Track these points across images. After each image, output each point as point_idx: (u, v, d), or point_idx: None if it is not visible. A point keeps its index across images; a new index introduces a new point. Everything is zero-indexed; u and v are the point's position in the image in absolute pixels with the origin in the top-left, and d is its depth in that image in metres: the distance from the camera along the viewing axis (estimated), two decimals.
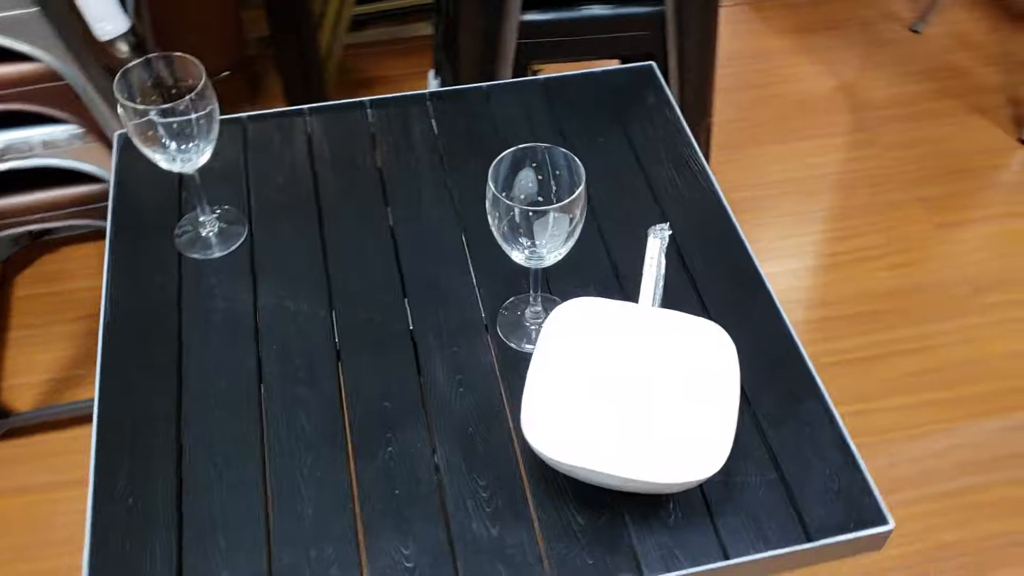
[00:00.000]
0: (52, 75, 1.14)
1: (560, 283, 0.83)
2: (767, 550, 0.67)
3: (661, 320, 0.72)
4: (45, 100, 1.16)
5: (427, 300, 0.83)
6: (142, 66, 0.77)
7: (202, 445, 0.73)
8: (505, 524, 0.69)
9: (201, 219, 0.87)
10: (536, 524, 0.69)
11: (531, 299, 0.79)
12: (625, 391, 0.71)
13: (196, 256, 0.86)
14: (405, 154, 0.96)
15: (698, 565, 0.66)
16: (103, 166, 1.25)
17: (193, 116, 0.76)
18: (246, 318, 0.82)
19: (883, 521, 0.68)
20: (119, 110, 0.76)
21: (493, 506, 0.70)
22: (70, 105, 1.18)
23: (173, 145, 0.78)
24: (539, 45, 1.17)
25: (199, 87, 0.75)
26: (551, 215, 0.68)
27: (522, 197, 0.72)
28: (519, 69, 1.18)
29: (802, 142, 2.11)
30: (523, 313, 0.81)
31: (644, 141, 0.97)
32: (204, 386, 0.77)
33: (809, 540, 0.68)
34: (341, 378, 0.77)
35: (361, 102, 1.01)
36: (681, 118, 0.99)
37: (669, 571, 0.66)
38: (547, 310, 0.80)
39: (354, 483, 0.71)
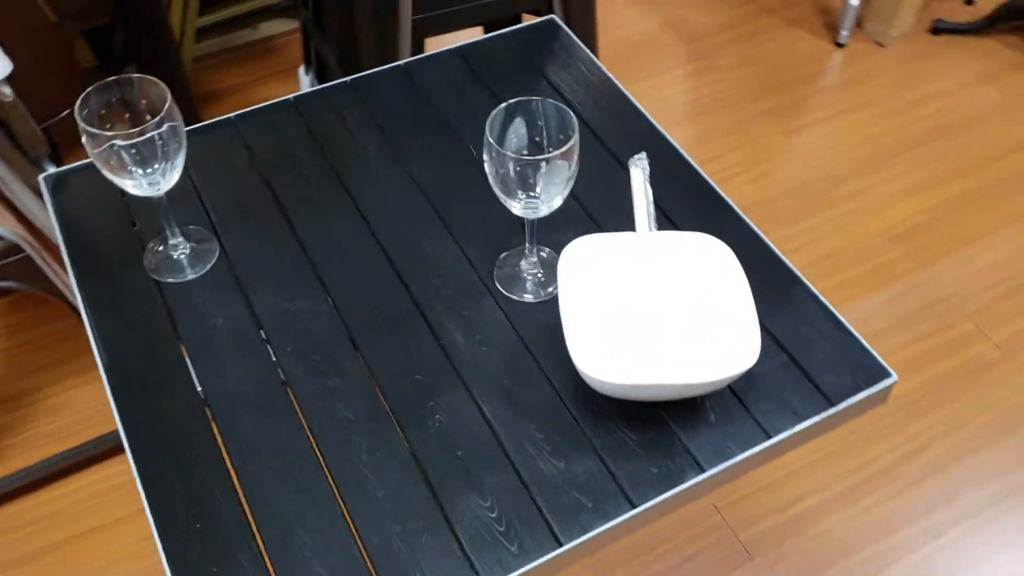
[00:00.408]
0: None
1: (541, 232, 0.87)
2: (800, 422, 0.75)
3: (663, 241, 0.77)
4: None
5: (421, 273, 0.85)
6: (100, 91, 0.75)
7: (251, 456, 0.73)
8: (568, 457, 0.73)
9: (172, 242, 0.85)
10: (596, 450, 0.73)
11: (527, 251, 0.83)
12: (653, 308, 0.77)
13: (174, 280, 0.84)
14: (349, 144, 0.97)
15: (748, 449, 0.73)
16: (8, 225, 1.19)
17: (159, 138, 0.74)
18: (249, 329, 0.81)
19: (887, 375, 0.78)
20: (83, 139, 0.73)
21: (552, 444, 0.74)
22: None
23: (139, 170, 0.76)
24: (434, 18, 1.19)
25: (164, 108, 0.74)
26: (552, 164, 0.72)
27: (514, 149, 0.75)
28: (416, 46, 1.20)
29: (649, 80, 2.23)
30: (518, 266, 0.84)
31: (572, 87, 1.02)
32: (231, 402, 0.76)
33: (832, 405, 0.76)
34: (365, 363, 0.79)
35: (285, 100, 1.01)
36: (596, 59, 1.04)
37: (725, 460, 0.72)
38: (540, 260, 0.85)
39: (415, 455, 0.73)
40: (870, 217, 1.94)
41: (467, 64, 1.04)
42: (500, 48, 1.07)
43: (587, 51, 1.05)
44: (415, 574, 0.67)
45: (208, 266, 0.85)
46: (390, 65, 1.04)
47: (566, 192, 0.75)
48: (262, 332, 0.81)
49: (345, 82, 1.03)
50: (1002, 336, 1.74)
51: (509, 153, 0.71)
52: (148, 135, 0.74)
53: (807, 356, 0.79)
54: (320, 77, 1.55)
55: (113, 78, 0.75)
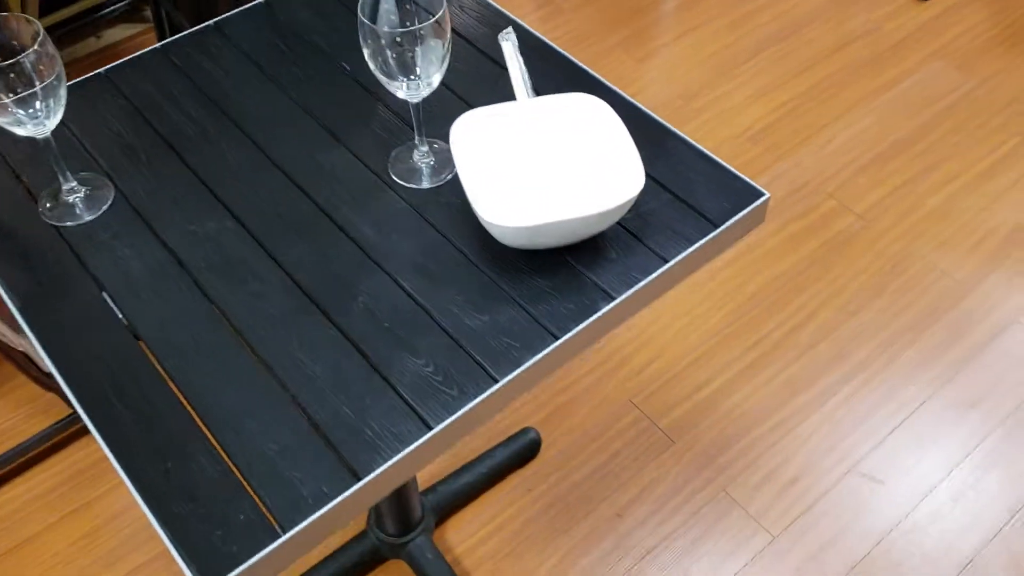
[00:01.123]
0: None
1: (427, 127, 0.92)
2: (691, 245, 0.82)
3: (543, 103, 0.83)
4: None
5: (320, 182, 0.88)
6: None
7: (189, 369, 0.75)
8: (491, 310, 0.78)
9: (66, 187, 0.85)
10: (515, 299, 0.78)
11: (418, 141, 0.88)
12: (544, 160, 0.82)
13: (74, 224, 0.85)
14: (225, 79, 0.98)
15: (650, 273, 0.80)
16: None
17: (34, 68, 0.75)
18: (160, 256, 0.83)
19: (760, 194, 0.86)
20: None
21: (473, 302, 0.78)
22: None
23: (21, 111, 0.77)
24: None
25: (39, 41, 0.75)
26: (427, 41, 0.76)
27: (388, 30, 0.79)
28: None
29: None
30: (412, 158, 0.89)
31: None
32: (159, 326, 0.78)
33: (716, 227, 0.83)
34: (281, 267, 0.82)
35: (153, 49, 1.02)
36: None
37: (631, 287, 0.79)
38: (431, 150, 0.89)
39: (346, 334, 0.77)
40: (727, 124, 2.06)
41: None
42: None
43: None
44: (366, 432, 0.71)
45: (106, 205, 0.86)
46: (251, 4, 1.07)
47: (443, 69, 0.80)
48: (174, 255, 0.83)
49: (210, 26, 1.05)
50: (862, 207, 1.89)
51: (384, 29, 0.75)
52: (24, 64, 0.74)
53: (688, 191, 0.86)
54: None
55: None
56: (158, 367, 0.75)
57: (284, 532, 0.66)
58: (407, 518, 1.34)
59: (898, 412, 1.59)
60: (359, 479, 0.68)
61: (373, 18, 0.78)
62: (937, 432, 1.56)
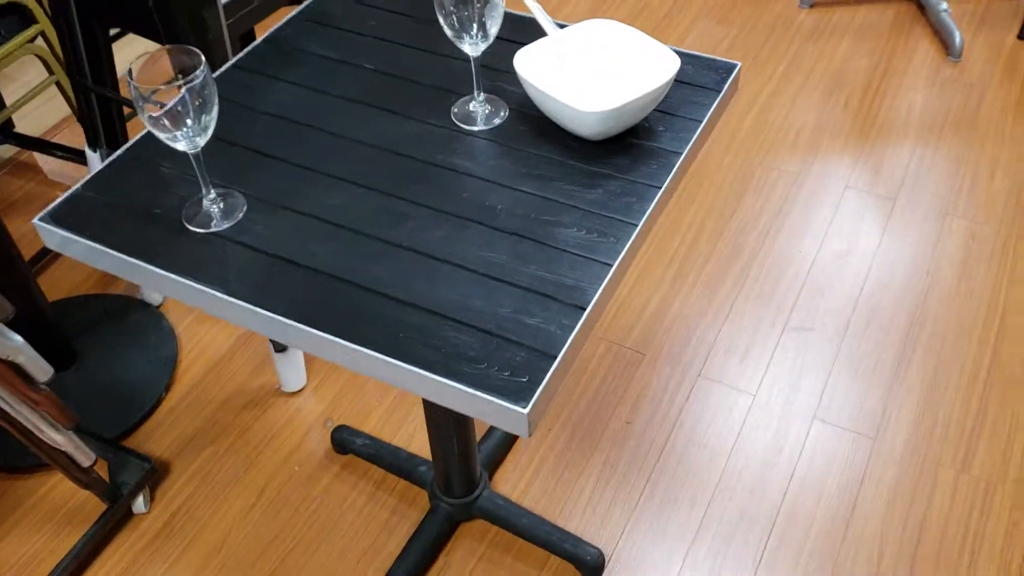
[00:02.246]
0: None
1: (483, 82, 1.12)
2: (709, 108, 1.08)
3: (571, 32, 1.07)
4: None
5: (405, 143, 1.05)
6: (148, 63, 0.87)
7: (407, 288, 0.90)
8: (599, 185, 0.99)
9: (208, 196, 0.97)
10: (613, 174, 1.00)
11: (476, 94, 1.08)
12: (598, 67, 1.06)
13: (218, 229, 0.96)
14: (304, 81, 1.13)
15: (694, 132, 1.04)
16: None
17: (199, 99, 0.88)
18: (319, 225, 0.96)
19: (733, 65, 1.13)
20: (141, 103, 0.85)
21: (582, 184, 0.99)
22: None
23: (190, 121, 0.89)
24: (244, 16, 1.36)
25: (201, 70, 0.87)
26: (489, 2, 0.97)
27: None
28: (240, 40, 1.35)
29: None
30: (470, 108, 1.08)
31: None
32: (358, 268, 0.92)
33: (719, 92, 1.10)
34: (424, 206, 0.98)
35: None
36: None
37: (687, 143, 1.03)
38: (483, 102, 1.09)
39: (505, 230, 0.95)
40: None
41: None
42: None
43: None
44: (566, 281, 0.89)
45: (241, 213, 0.98)
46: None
47: (499, 23, 1.01)
48: (328, 221, 0.97)
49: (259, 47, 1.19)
50: None
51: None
52: (197, 86, 0.87)
53: (686, 75, 1.12)
54: (111, 145, 1.61)
55: (152, 51, 0.87)
56: (377, 293, 0.90)
57: (555, 356, 0.83)
58: (471, 477, 1.49)
59: (798, 272, 1.94)
60: (583, 310, 0.87)
61: None
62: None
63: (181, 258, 0.94)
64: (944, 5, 2.52)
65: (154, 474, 1.60)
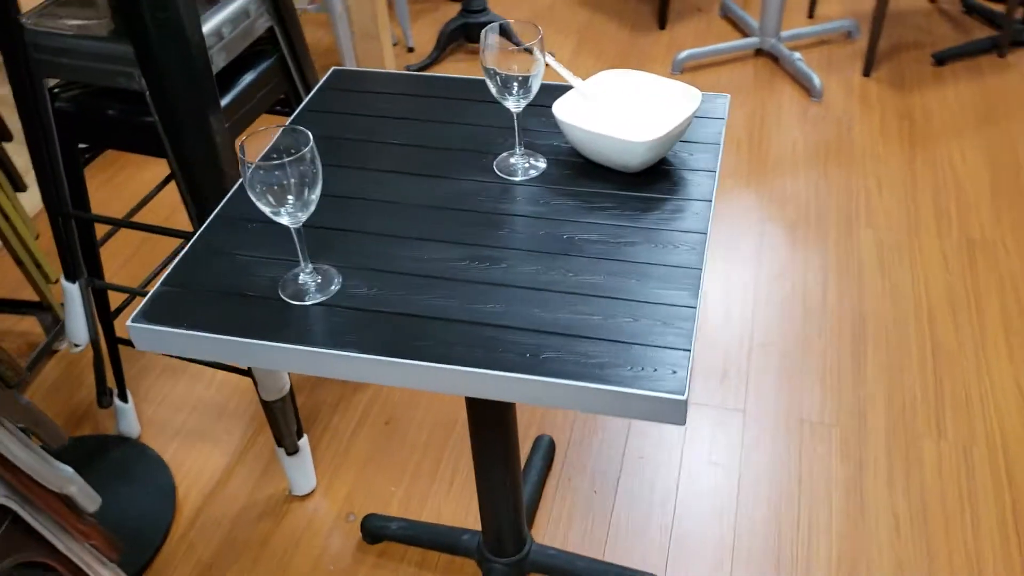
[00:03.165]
0: None
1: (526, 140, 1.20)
2: (720, 124, 1.21)
3: (593, 81, 1.18)
4: None
5: (461, 198, 1.12)
6: (259, 136, 0.90)
7: (525, 316, 0.96)
8: (649, 207, 1.09)
9: (307, 270, 1.00)
10: (657, 195, 1.10)
11: (517, 149, 1.16)
12: (628, 107, 1.17)
13: (312, 303, 0.99)
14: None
15: (716, 154, 1.17)
16: None
17: (306, 177, 0.92)
18: (414, 280, 1.01)
19: (724, 96, 1.28)
20: (252, 177, 0.88)
21: (633, 207, 1.09)
22: None
23: (291, 198, 0.92)
24: (236, 122, 1.39)
25: (310, 149, 0.91)
26: (531, 68, 1.07)
27: (494, 52, 1.08)
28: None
29: None
30: (512, 162, 1.17)
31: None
32: (475, 308, 0.97)
33: (723, 119, 1.23)
34: (505, 247, 1.05)
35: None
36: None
37: (716, 163, 1.15)
38: (523, 155, 1.18)
39: (588, 255, 1.02)
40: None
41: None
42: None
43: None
44: (661, 299, 0.98)
45: (336, 287, 1.01)
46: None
47: (540, 80, 1.11)
48: (421, 275, 1.01)
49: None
50: None
51: (501, 72, 1.05)
52: (297, 166, 0.91)
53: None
54: (93, 272, 1.57)
55: (256, 131, 0.90)
56: (499, 325, 0.95)
57: (688, 349, 0.91)
58: (521, 532, 1.51)
59: (745, 298, 2.10)
60: (693, 308, 0.96)
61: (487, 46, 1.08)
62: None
63: (291, 329, 0.96)
64: (798, 55, 2.84)
65: None
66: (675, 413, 0.88)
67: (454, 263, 1.03)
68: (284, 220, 0.95)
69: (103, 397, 1.80)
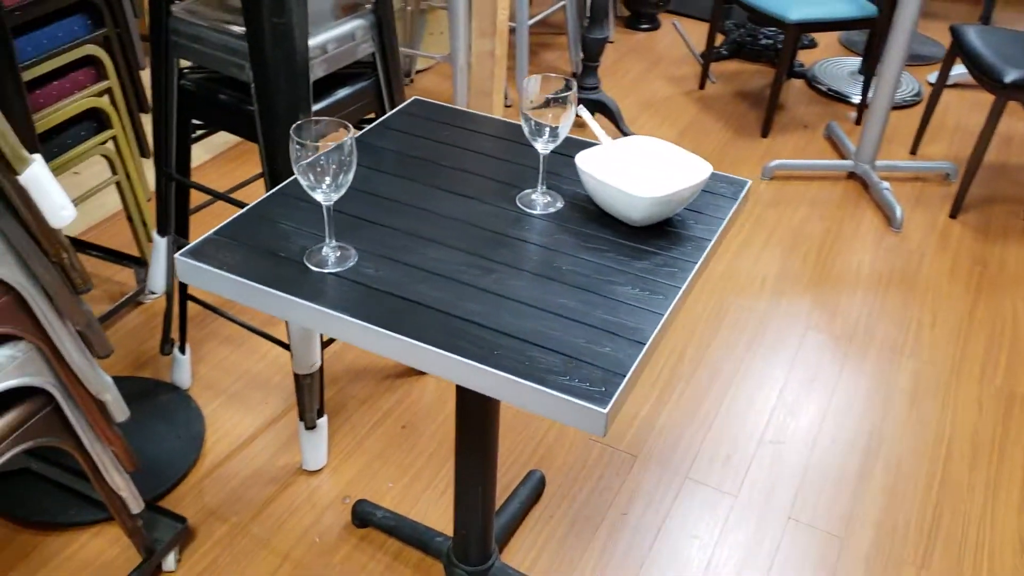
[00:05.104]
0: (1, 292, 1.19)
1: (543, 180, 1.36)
2: (729, 211, 1.33)
3: (620, 141, 1.32)
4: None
5: (479, 220, 1.28)
6: (302, 127, 1.09)
7: (497, 318, 1.10)
8: (644, 258, 1.22)
9: (330, 244, 1.17)
10: (655, 251, 1.23)
11: (539, 187, 1.32)
12: (645, 166, 1.31)
13: (334, 271, 1.16)
14: (398, 164, 1.35)
15: (717, 227, 1.29)
16: (43, 376, 1.28)
17: (347, 153, 1.10)
18: (418, 273, 1.17)
19: (744, 182, 1.40)
20: (294, 151, 1.07)
21: (628, 255, 1.22)
22: (17, 319, 1.22)
23: (328, 179, 1.10)
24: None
25: (349, 134, 1.10)
26: (568, 109, 1.23)
27: (533, 98, 1.24)
28: None
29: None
30: (533, 197, 1.32)
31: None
32: (454, 305, 1.12)
33: (735, 200, 1.36)
34: (504, 264, 1.19)
35: None
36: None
37: (715, 233, 1.27)
38: (544, 193, 1.33)
39: (572, 284, 1.16)
40: None
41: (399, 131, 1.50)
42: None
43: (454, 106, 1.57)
44: (627, 323, 1.10)
45: (352, 262, 1.18)
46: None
47: (568, 128, 1.26)
48: (426, 271, 1.17)
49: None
50: None
51: (535, 119, 1.21)
52: (338, 151, 1.09)
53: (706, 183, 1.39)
54: (180, 231, 1.80)
55: (307, 119, 1.09)
56: (474, 322, 1.09)
57: (624, 374, 1.03)
58: (487, 545, 1.62)
59: (769, 395, 2.16)
60: (643, 344, 1.08)
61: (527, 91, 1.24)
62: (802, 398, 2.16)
63: (304, 288, 1.13)
64: (886, 184, 2.91)
65: (185, 533, 1.69)
66: (595, 423, 0.99)
67: (455, 265, 1.19)
68: (319, 196, 1.13)
69: (165, 345, 2.02)
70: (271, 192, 1.31)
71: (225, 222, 1.25)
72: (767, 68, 3.89)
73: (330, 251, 1.19)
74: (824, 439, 2.07)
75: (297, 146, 1.09)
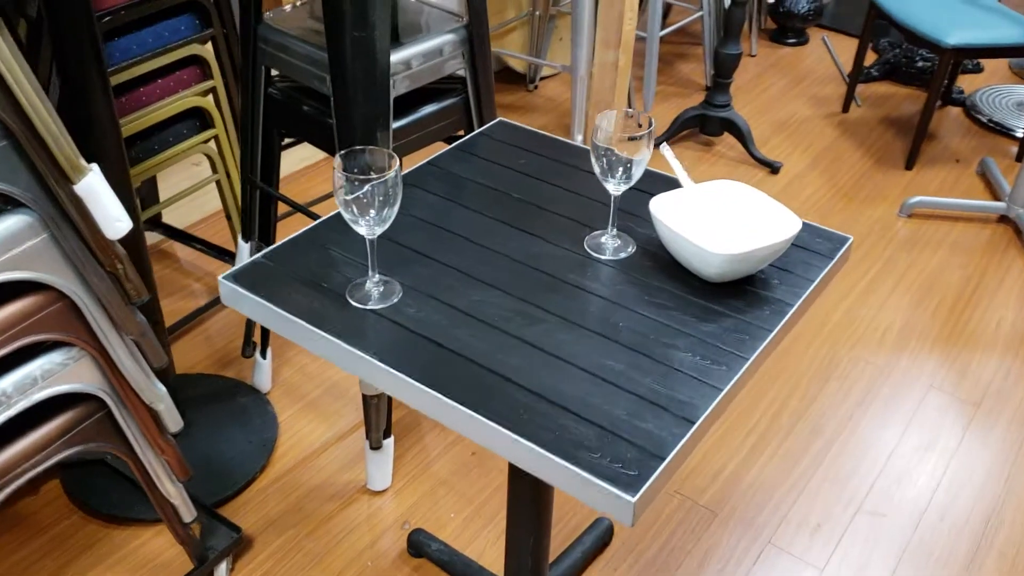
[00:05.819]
0: (54, 298, 1.19)
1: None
2: (822, 270, 1.19)
3: (702, 186, 1.20)
4: (47, 327, 1.20)
5: (539, 261, 1.19)
6: (348, 157, 1.03)
7: (533, 376, 1.01)
8: (713, 320, 1.10)
9: (373, 279, 1.11)
10: (727, 312, 1.11)
11: (610, 229, 1.22)
12: (726, 218, 1.19)
13: (374, 308, 1.10)
14: (461, 198, 1.29)
15: (805, 290, 1.15)
16: (95, 382, 1.29)
17: (387, 194, 1.03)
18: (460, 316, 1.09)
19: (845, 239, 1.25)
20: (338, 181, 1.00)
21: (697, 316, 1.10)
22: (70, 325, 1.22)
23: (372, 212, 1.04)
24: (408, 143, 1.55)
25: (395, 170, 1.03)
26: (636, 155, 1.12)
27: (607, 135, 1.14)
28: None
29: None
30: (601, 240, 1.22)
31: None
32: (493, 356, 1.03)
33: (830, 259, 1.21)
34: (554, 314, 1.10)
35: None
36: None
37: (800, 297, 1.14)
38: (614, 236, 1.23)
39: (625, 345, 1.05)
40: None
41: (477, 155, 1.42)
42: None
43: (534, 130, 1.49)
44: (678, 396, 0.99)
45: (396, 298, 1.12)
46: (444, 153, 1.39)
47: (642, 170, 1.16)
48: (468, 315, 1.09)
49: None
50: None
51: (613, 152, 1.11)
52: (382, 184, 1.02)
53: (799, 239, 1.24)
54: (263, 238, 1.80)
55: (351, 149, 1.03)
56: (509, 379, 1.00)
57: (664, 458, 0.92)
58: None
59: (877, 459, 1.97)
60: (693, 423, 0.96)
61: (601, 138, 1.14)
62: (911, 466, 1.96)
63: (339, 325, 1.07)
64: None
65: (240, 544, 1.68)
66: (622, 512, 0.89)
67: (502, 311, 1.10)
68: (361, 230, 1.07)
69: (246, 347, 2.03)
70: (328, 216, 1.26)
71: (275, 245, 1.21)
72: (921, 93, 3.60)
73: (373, 286, 1.13)
74: (932, 515, 1.86)
75: (338, 176, 1.03)
